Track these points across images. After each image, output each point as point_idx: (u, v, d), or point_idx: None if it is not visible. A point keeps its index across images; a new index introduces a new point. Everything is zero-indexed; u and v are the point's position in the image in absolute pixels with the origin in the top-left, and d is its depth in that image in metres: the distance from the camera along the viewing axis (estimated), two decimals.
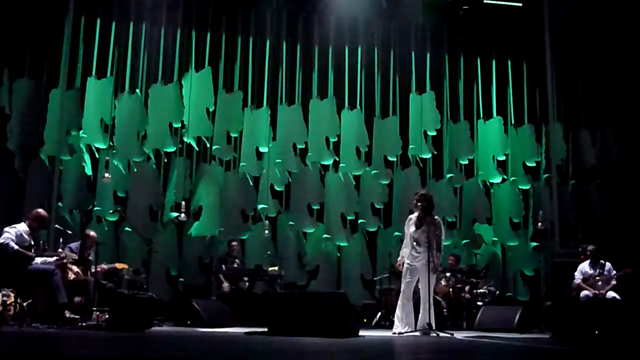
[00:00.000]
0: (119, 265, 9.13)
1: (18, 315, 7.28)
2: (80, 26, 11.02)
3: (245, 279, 10.07)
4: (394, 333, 7.60)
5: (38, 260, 7.72)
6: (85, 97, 10.88)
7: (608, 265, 9.24)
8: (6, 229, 7.76)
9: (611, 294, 9.00)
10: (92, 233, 8.85)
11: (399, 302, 7.74)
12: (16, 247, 7.59)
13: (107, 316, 7.55)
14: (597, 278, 9.19)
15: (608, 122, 12.33)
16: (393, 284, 9.97)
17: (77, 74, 11.00)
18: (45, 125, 10.71)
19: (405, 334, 7.48)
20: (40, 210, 8.22)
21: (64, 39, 10.81)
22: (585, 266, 9.36)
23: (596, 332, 7.02)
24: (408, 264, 7.74)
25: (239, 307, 9.37)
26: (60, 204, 10.52)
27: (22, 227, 7.82)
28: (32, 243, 7.84)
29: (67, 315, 7.57)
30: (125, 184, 10.86)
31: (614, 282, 9.14)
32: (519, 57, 12.52)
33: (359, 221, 11.66)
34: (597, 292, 9.06)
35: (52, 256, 7.92)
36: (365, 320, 9.86)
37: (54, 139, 10.60)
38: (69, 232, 8.99)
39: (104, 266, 8.78)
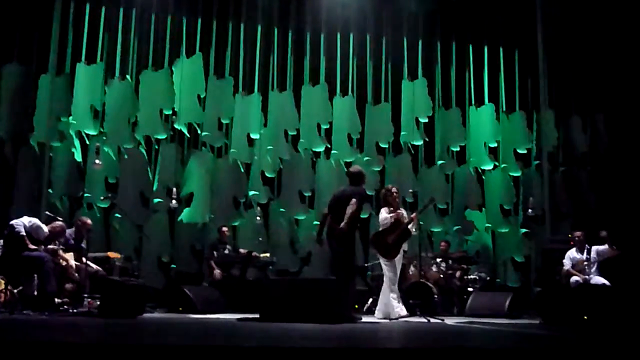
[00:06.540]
0: (111, 254, 9.11)
1: (9, 302, 7.26)
2: (70, 11, 10.91)
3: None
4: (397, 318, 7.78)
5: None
6: (75, 82, 10.78)
7: (594, 249, 9.30)
8: (25, 217, 7.84)
9: (600, 280, 9.06)
10: (88, 221, 8.82)
11: (392, 288, 7.93)
12: (24, 232, 7.59)
13: (98, 303, 7.55)
14: (585, 263, 9.25)
15: (599, 108, 12.38)
16: None
17: (66, 59, 10.89)
18: (34, 111, 10.61)
19: (400, 319, 7.68)
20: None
21: (53, 24, 10.69)
22: (573, 252, 9.41)
23: (585, 317, 7.10)
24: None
25: (231, 294, 9.38)
26: (50, 190, 10.46)
27: (43, 226, 7.88)
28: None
29: (57, 301, 7.57)
30: (116, 170, 10.80)
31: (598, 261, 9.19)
32: (511, 44, 12.50)
33: None
34: (586, 276, 9.12)
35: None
36: (357, 306, 9.89)
37: (43, 125, 10.52)
38: (60, 218, 8.96)
39: (96, 255, 8.75)
